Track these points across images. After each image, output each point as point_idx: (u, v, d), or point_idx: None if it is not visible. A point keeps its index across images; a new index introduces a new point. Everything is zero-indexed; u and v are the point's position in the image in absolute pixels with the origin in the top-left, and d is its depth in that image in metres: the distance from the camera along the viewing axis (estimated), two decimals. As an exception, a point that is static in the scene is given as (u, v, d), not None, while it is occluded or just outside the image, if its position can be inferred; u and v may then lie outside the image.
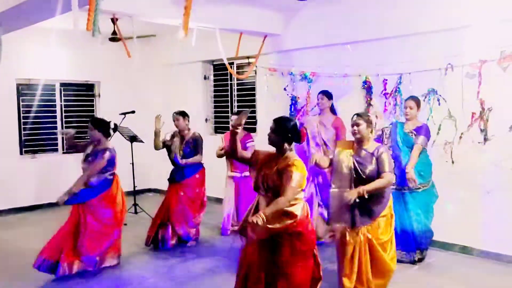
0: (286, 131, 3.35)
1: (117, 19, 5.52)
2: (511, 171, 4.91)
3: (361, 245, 3.81)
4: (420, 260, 5.02)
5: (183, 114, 5.74)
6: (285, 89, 6.92)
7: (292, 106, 6.89)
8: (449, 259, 5.19)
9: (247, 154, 3.63)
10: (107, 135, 5.01)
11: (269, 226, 3.19)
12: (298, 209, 3.29)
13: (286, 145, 3.37)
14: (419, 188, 4.95)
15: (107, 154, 4.83)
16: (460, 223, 5.25)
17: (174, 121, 5.74)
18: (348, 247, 3.83)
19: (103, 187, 4.85)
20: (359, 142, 3.89)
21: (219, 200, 7.62)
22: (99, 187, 4.82)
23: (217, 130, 8.59)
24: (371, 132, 3.89)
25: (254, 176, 3.46)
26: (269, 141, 3.44)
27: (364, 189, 3.67)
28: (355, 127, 3.87)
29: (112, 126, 5.05)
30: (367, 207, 3.80)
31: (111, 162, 4.90)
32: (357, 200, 3.67)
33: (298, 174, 3.23)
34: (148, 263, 5.26)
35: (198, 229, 5.93)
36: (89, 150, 4.97)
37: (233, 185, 6.23)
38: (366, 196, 3.67)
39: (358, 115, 3.92)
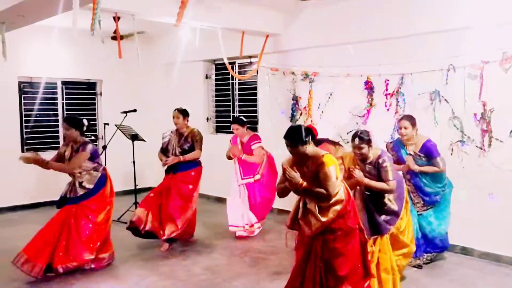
0: (301, 138, 3.35)
1: (119, 18, 5.52)
2: (512, 173, 4.91)
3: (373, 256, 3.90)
4: (424, 264, 4.99)
5: (184, 113, 5.63)
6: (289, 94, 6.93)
7: (294, 106, 6.89)
8: (450, 260, 5.18)
9: None
10: (83, 133, 4.94)
11: (323, 219, 3.29)
12: (341, 194, 3.39)
13: (306, 148, 3.37)
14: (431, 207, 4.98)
15: (89, 146, 4.79)
16: (461, 224, 5.24)
17: (173, 117, 5.64)
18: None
19: (100, 186, 4.86)
20: (362, 159, 4.10)
21: (219, 200, 7.63)
22: (96, 187, 4.83)
23: (219, 129, 8.60)
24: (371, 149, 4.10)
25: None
26: (294, 157, 3.48)
27: (368, 183, 3.95)
28: (357, 151, 4.03)
29: (85, 123, 4.94)
30: (376, 220, 3.97)
31: (95, 154, 4.86)
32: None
33: (332, 167, 3.31)
34: (148, 261, 5.25)
35: (194, 228, 5.89)
36: (68, 152, 4.88)
37: (246, 192, 6.00)
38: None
39: (360, 138, 3.98)
